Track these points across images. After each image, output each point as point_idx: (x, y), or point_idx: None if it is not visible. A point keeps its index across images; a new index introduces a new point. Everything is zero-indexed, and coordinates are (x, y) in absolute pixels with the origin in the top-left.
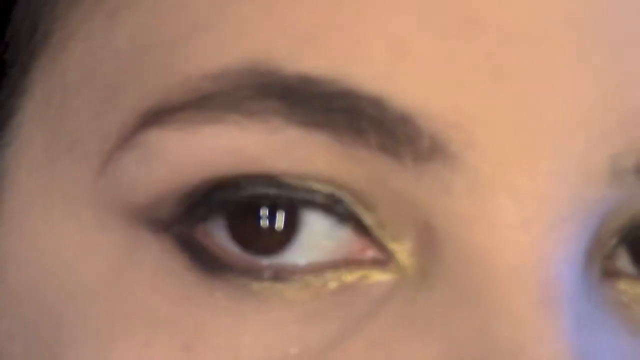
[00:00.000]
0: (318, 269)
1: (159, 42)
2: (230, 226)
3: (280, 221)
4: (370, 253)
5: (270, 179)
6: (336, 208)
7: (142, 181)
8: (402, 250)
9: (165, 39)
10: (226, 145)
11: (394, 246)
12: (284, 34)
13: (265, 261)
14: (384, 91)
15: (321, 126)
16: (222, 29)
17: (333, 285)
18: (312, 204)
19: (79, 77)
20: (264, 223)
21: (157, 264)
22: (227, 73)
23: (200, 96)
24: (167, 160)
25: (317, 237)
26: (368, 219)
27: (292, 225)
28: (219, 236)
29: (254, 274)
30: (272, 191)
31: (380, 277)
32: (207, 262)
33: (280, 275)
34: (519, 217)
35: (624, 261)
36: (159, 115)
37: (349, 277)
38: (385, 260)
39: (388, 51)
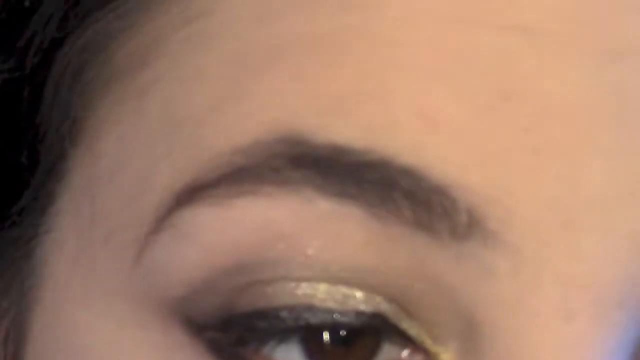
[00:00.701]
0: None
1: (188, 118)
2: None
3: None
4: (414, 357)
5: (311, 306)
6: (380, 325)
7: (174, 267)
8: (446, 353)
9: (193, 114)
10: (257, 220)
11: (437, 350)
12: (312, 103)
13: None
14: (417, 162)
15: (354, 198)
16: (249, 101)
17: None
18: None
19: (111, 164)
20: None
21: None
22: (258, 145)
23: (232, 170)
24: (199, 241)
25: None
26: (411, 329)
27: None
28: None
29: None
30: (314, 319)
31: None
32: None
33: None
34: (564, 308)
35: None
36: (192, 193)
37: None
38: None
39: (420, 121)
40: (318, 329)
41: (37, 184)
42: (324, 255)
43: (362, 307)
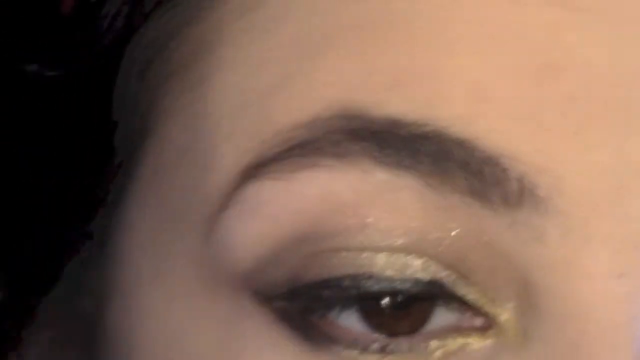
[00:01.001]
0: (423, 339)
1: (250, 100)
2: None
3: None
4: (473, 321)
5: (371, 275)
6: (437, 291)
7: (242, 242)
8: (504, 314)
9: (255, 96)
10: (318, 192)
11: (495, 311)
12: (369, 79)
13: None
14: (470, 133)
15: (410, 168)
16: (309, 80)
17: (438, 354)
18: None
19: (177, 151)
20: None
21: (261, 336)
22: (318, 120)
23: (294, 145)
24: (264, 215)
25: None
26: (469, 295)
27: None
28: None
29: (362, 346)
30: (374, 287)
31: (482, 342)
32: (311, 335)
33: (387, 347)
34: (614, 267)
35: None
36: (256, 168)
37: (453, 345)
38: (487, 326)
39: (471, 94)
40: (377, 296)
41: (110, 178)
42: (382, 224)
43: (420, 275)
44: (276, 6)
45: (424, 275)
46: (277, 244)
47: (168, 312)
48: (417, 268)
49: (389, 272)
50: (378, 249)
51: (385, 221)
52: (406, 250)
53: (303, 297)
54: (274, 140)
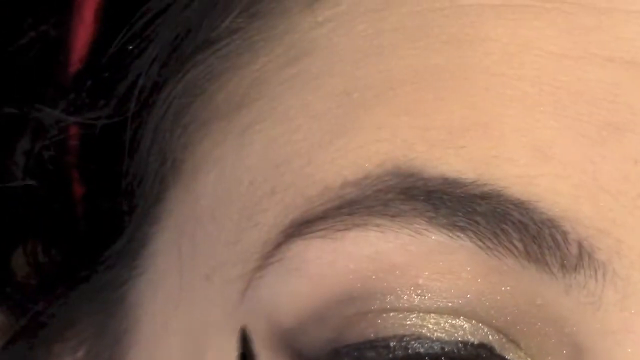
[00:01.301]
0: None
1: (294, 155)
2: None
3: None
4: None
5: (420, 336)
6: (486, 356)
7: (283, 300)
8: None
9: (300, 149)
10: (367, 252)
11: None
12: (423, 136)
13: None
14: (528, 194)
15: (464, 229)
16: (359, 135)
17: None
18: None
19: (212, 203)
20: None
21: None
22: (368, 178)
23: (343, 203)
24: (309, 273)
25: None
26: None
27: None
28: None
29: None
30: (421, 349)
31: None
32: None
33: None
34: None
35: None
36: (301, 227)
37: None
38: None
39: (531, 154)
40: (423, 358)
41: (132, 227)
42: (433, 285)
43: (469, 338)
44: (320, 58)
45: (473, 339)
46: (321, 304)
47: None
48: (467, 331)
49: (438, 334)
50: (428, 310)
51: (437, 283)
52: (457, 312)
53: (345, 359)
54: (322, 198)
